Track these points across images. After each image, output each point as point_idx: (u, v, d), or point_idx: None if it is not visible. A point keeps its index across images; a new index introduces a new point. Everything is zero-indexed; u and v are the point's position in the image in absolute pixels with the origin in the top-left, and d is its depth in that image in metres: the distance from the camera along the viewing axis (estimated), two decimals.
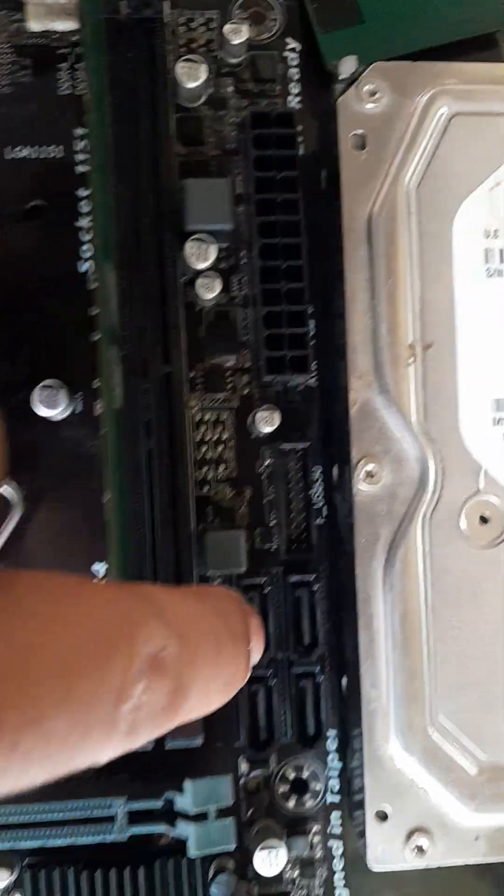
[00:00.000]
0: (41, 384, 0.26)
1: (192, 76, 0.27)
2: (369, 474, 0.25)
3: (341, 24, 0.30)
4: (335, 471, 0.27)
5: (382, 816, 0.24)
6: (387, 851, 0.24)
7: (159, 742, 0.24)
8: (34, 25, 0.28)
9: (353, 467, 0.25)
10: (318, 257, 0.28)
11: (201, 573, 0.26)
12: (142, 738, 0.15)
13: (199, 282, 0.26)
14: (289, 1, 0.29)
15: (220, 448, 0.27)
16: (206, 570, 0.26)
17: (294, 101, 0.29)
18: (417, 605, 0.25)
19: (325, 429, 0.28)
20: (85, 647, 0.14)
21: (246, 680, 0.19)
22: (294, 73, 0.29)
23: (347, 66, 0.26)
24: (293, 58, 0.29)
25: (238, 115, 0.28)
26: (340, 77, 0.26)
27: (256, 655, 0.20)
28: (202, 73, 0.27)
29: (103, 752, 0.15)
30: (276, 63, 0.29)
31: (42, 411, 0.26)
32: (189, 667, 0.16)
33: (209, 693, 0.18)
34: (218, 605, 0.19)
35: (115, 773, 0.26)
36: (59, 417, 0.27)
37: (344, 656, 0.27)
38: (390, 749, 0.25)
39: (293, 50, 0.29)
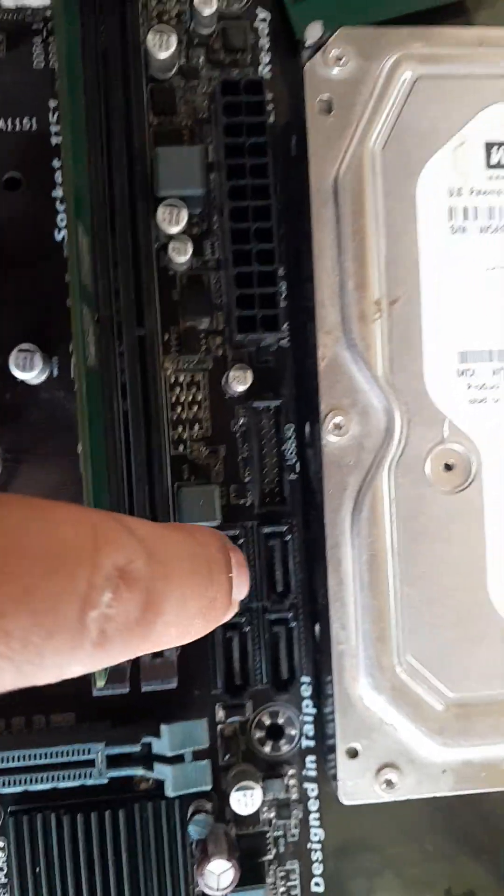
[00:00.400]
0: (17, 347, 0.26)
1: (164, 45, 0.27)
2: (337, 426, 0.26)
3: None
4: (307, 428, 0.28)
5: (353, 753, 0.25)
6: (357, 786, 0.25)
7: (135, 686, 0.25)
8: (7, 2, 0.29)
9: (321, 420, 0.26)
10: (289, 222, 0.29)
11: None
12: (116, 651, 0.15)
13: (172, 245, 0.27)
14: None
15: (194, 408, 0.28)
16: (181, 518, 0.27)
17: (265, 70, 0.30)
18: (384, 548, 0.26)
19: (298, 387, 0.29)
20: (48, 551, 0.14)
21: (229, 612, 0.19)
22: (265, 42, 0.30)
23: (314, 31, 0.26)
24: (263, 27, 0.30)
25: (209, 85, 0.29)
26: (307, 43, 0.26)
27: (241, 591, 0.20)
28: (173, 42, 0.28)
29: (73, 660, 0.15)
30: (246, 33, 0.30)
31: (18, 374, 0.27)
32: (161, 582, 0.16)
33: (187, 615, 0.17)
34: (197, 535, 0.19)
35: (95, 720, 0.27)
36: (37, 381, 0.27)
37: (317, 604, 0.28)
38: (359, 689, 0.26)
39: (263, 20, 0.30)
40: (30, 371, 0.27)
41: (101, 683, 0.23)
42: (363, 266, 0.26)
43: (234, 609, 0.20)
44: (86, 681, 0.27)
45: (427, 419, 0.26)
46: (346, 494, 0.26)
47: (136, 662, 0.26)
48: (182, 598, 0.17)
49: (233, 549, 0.20)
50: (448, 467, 0.26)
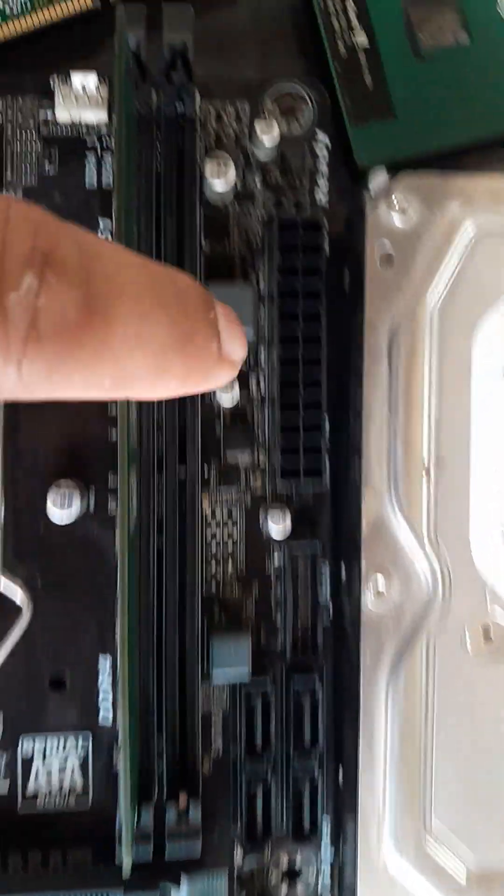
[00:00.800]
0: (55, 483, 0.26)
1: (222, 174, 0.27)
2: (378, 592, 0.25)
3: (373, 117, 0.30)
4: (343, 569, 0.27)
5: None
6: None
7: (159, 853, 0.25)
8: (63, 114, 0.28)
9: (362, 581, 0.25)
10: (337, 353, 0.28)
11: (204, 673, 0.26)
12: (52, 352, 0.13)
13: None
14: (320, 94, 0.29)
15: (229, 545, 0.28)
16: (211, 668, 0.26)
17: (322, 198, 0.29)
18: (419, 717, 0.25)
19: (336, 526, 0.28)
20: None
21: (221, 366, 0.16)
22: (323, 167, 0.29)
23: (378, 178, 0.26)
24: (323, 152, 0.29)
25: (265, 210, 0.29)
26: (371, 190, 0.26)
27: (234, 346, 0.16)
28: (231, 171, 0.27)
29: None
30: (305, 157, 0.29)
31: (55, 511, 0.26)
32: (105, 285, 0.14)
33: (154, 340, 0.14)
34: (165, 268, 0.16)
35: (112, 856, 0.27)
36: (72, 518, 0.27)
37: (342, 748, 0.27)
38: (383, 855, 0.25)
39: (324, 144, 0.29)
40: (67, 508, 0.26)
41: (127, 862, 0.23)
42: (413, 426, 0.25)
43: (229, 368, 0.16)
44: (104, 816, 0.27)
45: (470, 587, 0.26)
46: (383, 660, 0.25)
47: (161, 824, 0.25)
48: (140, 313, 0.14)
49: (220, 304, 0.17)
50: (488, 637, 0.26)
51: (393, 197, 0.26)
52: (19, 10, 0.30)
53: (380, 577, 0.25)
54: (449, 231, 0.26)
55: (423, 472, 0.25)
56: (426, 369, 0.25)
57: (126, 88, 0.26)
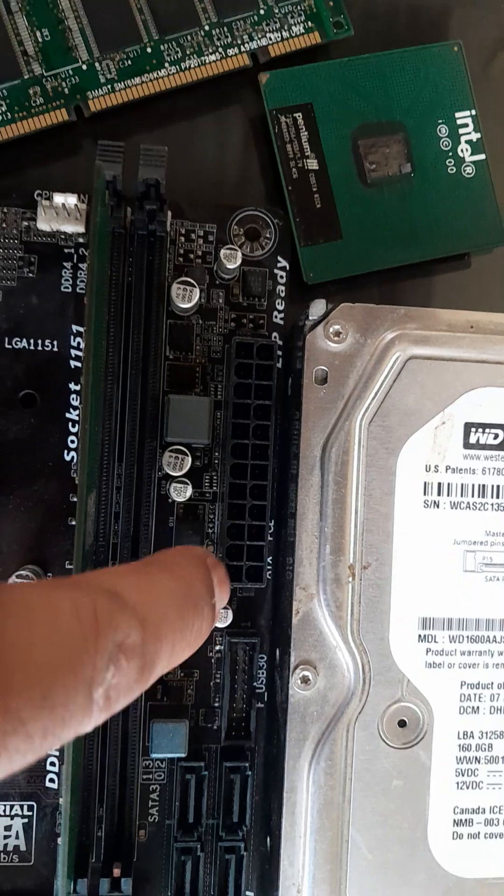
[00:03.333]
0: (16, 573, 0.28)
1: (187, 298, 0.30)
2: (304, 679, 0.28)
3: (321, 238, 0.33)
4: (277, 653, 0.30)
5: None
6: None
7: None
8: (43, 225, 0.31)
9: (290, 670, 0.28)
10: (280, 458, 0.31)
11: (145, 757, 0.29)
12: (120, 706, 0.18)
13: (173, 486, 0.29)
14: (283, 221, 0.32)
15: None
16: (150, 748, 0.29)
17: (279, 315, 0.32)
18: (338, 796, 0.28)
19: (274, 614, 0.31)
20: (55, 651, 0.16)
21: (211, 627, 0.22)
22: (281, 289, 0.32)
23: (317, 308, 0.29)
24: (281, 275, 0.32)
25: (226, 326, 0.31)
26: (310, 317, 0.29)
27: (223, 601, 0.23)
28: (195, 294, 0.30)
29: (83, 727, 0.17)
30: (265, 279, 0.32)
31: None
32: (154, 643, 0.18)
33: (176, 654, 0.20)
34: (180, 573, 0.21)
35: None
36: None
37: (270, 820, 0.30)
38: None
39: (283, 268, 0.32)
40: None
41: None
42: (341, 532, 0.28)
43: (217, 619, 0.23)
44: (45, 876, 0.29)
45: (388, 678, 0.28)
46: (307, 745, 0.28)
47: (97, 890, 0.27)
48: (172, 646, 0.19)
49: (214, 565, 0.23)
50: (402, 724, 0.28)
51: (330, 322, 0.28)
52: (0, 121, 0.33)
53: (306, 667, 0.28)
54: (380, 357, 0.29)
55: (349, 575, 0.28)
56: (354, 480, 0.28)
57: (102, 214, 0.29)
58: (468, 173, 0.34)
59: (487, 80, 0.35)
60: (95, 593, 0.18)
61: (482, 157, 0.34)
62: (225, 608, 0.29)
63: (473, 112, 0.34)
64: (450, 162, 0.34)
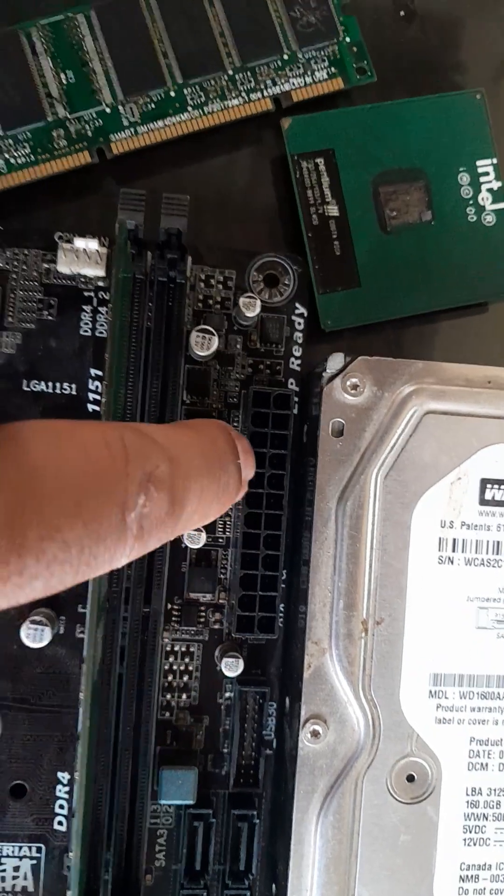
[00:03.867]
0: (29, 618, 0.29)
1: (205, 346, 0.30)
2: (314, 733, 0.28)
3: (340, 285, 0.33)
4: (287, 707, 0.30)
5: None
6: None
7: None
8: (64, 268, 0.31)
9: (300, 724, 0.28)
10: (293, 507, 0.31)
11: (153, 802, 0.29)
12: (153, 541, 0.18)
13: (188, 532, 0.30)
14: (301, 268, 0.32)
15: (185, 678, 0.30)
16: (160, 794, 0.29)
17: (295, 364, 0.32)
18: (345, 851, 0.28)
19: (284, 662, 0.31)
20: (87, 468, 0.17)
21: (240, 492, 0.23)
22: (299, 336, 0.32)
23: (335, 362, 0.29)
24: (299, 322, 0.32)
25: (243, 371, 0.32)
26: (328, 370, 0.29)
27: (249, 472, 0.24)
28: (214, 343, 0.30)
29: (119, 554, 0.17)
30: (283, 326, 0.32)
31: (29, 643, 0.29)
32: (182, 480, 0.19)
33: (205, 502, 0.20)
34: (205, 431, 0.22)
35: None
36: (43, 643, 0.29)
37: (276, 867, 0.30)
38: None
39: (301, 314, 0.32)
40: (40, 642, 0.29)
41: None
42: (355, 586, 0.28)
43: (244, 489, 0.24)
44: None
45: (398, 734, 0.28)
46: (315, 797, 0.28)
47: None
48: (200, 490, 0.20)
49: (238, 437, 0.24)
50: (410, 779, 0.28)
51: (348, 375, 0.29)
52: (24, 162, 0.33)
53: (316, 721, 0.28)
54: (397, 411, 0.29)
55: (362, 631, 0.28)
56: (369, 534, 0.28)
57: (125, 267, 0.29)
58: (488, 222, 0.34)
59: None
60: (122, 428, 0.19)
61: (503, 205, 0.34)
62: (235, 657, 0.30)
63: (495, 160, 0.34)
64: (470, 210, 0.34)
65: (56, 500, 0.16)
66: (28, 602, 0.16)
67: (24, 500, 0.15)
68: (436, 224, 0.34)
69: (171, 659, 0.30)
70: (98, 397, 0.31)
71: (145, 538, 0.18)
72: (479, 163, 0.34)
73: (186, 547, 0.31)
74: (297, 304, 0.32)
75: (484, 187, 0.34)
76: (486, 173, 0.34)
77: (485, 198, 0.34)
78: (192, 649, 0.30)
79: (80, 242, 0.31)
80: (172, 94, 0.33)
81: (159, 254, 0.29)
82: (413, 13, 0.35)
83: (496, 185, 0.34)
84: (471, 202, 0.34)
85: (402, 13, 0.35)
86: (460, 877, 0.28)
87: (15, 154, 0.33)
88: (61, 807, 0.30)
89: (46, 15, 0.33)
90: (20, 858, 0.30)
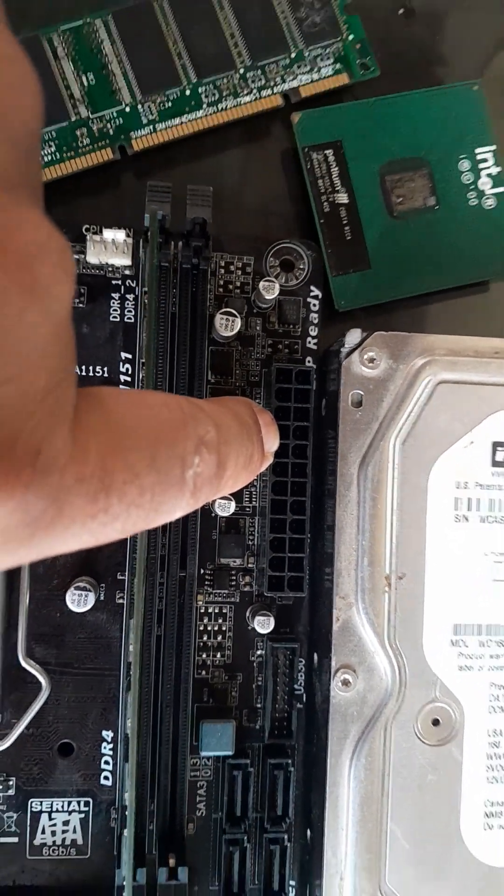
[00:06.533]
0: (74, 584, 0.31)
1: (229, 327, 0.32)
2: (345, 682, 0.30)
3: (351, 268, 0.35)
4: (315, 662, 0.32)
5: None
6: None
7: None
8: (93, 258, 0.33)
9: (331, 674, 0.30)
10: (317, 475, 0.33)
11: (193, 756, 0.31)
12: (203, 498, 0.20)
13: (218, 501, 0.32)
14: (315, 253, 0.34)
15: (219, 637, 0.32)
16: (200, 747, 0.31)
17: (312, 343, 0.34)
18: (377, 791, 0.30)
19: (311, 620, 0.33)
20: (158, 427, 0.19)
21: (265, 462, 0.25)
22: (314, 316, 0.34)
23: (353, 336, 0.31)
24: (314, 303, 0.34)
25: (263, 351, 0.34)
26: (346, 345, 0.31)
27: (272, 444, 0.27)
28: (237, 324, 0.32)
29: (178, 507, 0.20)
30: (299, 308, 0.34)
31: (73, 608, 0.31)
32: (224, 446, 0.21)
33: (239, 468, 0.23)
34: (235, 408, 0.24)
35: None
36: (86, 607, 0.31)
37: (311, 816, 0.32)
38: None
39: (315, 296, 0.34)
40: (84, 607, 0.31)
41: None
42: (377, 545, 0.30)
43: (269, 460, 0.27)
44: (100, 867, 0.31)
45: (423, 681, 0.30)
46: (347, 742, 0.30)
47: (154, 879, 0.29)
48: (236, 456, 0.22)
49: (261, 411, 0.26)
50: (435, 722, 0.30)
51: (365, 349, 0.31)
52: (50, 160, 0.35)
53: (346, 671, 0.30)
54: (412, 381, 0.31)
55: (386, 585, 0.30)
56: (389, 496, 0.30)
57: (157, 249, 0.31)
58: (489, 205, 0.36)
59: None
60: (179, 397, 0.21)
61: (502, 189, 0.36)
62: (266, 615, 0.32)
63: (493, 147, 0.36)
64: (471, 195, 0.36)
65: (136, 450, 0.18)
66: (107, 542, 0.18)
67: (113, 447, 0.17)
68: (439, 209, 0.36)
69: (205, 620, 0.32)
70: (129, 379, 0.33)
71: (197, 494, 0.20)
72: (478, 150, 0.36)
73: (217, 515, 0.33)
74: (312, 287, 0.34)
75: (483, 173, 0.36)
76: (486, 160, 0.36)
77: (485, 182, 0.36)
78: (224, 611, 0.32)
79: (108, 234, 0.33)
80: (188, 92, 0.35)
81: (184, 242, 0.31)
82: (411, 11, 0.37)
83: (495, 170, 0.36)
84: (472, 187, 0.36)
85: (401, 11, 0.37)
86: (485, 812, 0.30)
87: (42, 153, 0.35)
88: (106, 762, 0.32)
89: (67, 21, 0.35)
90: (69, 813, 0.32)
